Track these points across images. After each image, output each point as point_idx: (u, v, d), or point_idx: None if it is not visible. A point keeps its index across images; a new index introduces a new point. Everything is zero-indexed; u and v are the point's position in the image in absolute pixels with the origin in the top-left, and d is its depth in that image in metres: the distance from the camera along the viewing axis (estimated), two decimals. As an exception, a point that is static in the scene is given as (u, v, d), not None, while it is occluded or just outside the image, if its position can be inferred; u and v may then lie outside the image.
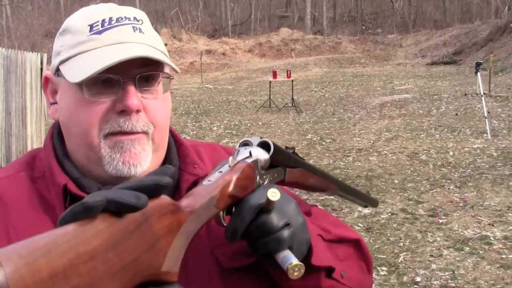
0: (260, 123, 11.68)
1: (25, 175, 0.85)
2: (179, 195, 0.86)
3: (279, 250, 0.72)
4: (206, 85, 19.45)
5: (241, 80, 21.01)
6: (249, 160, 0.75)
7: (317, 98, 15.06)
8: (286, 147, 0.87)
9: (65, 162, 0.85)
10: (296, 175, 0.87)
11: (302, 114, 12.47)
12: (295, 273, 0.70)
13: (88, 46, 0.82)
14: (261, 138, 0.80)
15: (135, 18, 0.85)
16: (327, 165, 7.75)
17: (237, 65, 25.71)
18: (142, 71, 0.82)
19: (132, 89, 0.81)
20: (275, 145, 0.80)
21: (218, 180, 0.71)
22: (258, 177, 0.76)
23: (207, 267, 0.84)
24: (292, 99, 13.42)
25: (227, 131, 10.99)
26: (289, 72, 13.76)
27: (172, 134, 0.95)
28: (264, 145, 0.80)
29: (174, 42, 27.02)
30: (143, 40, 0.83)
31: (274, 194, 0.70)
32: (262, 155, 0.78)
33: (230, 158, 0.74)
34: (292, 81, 13.98)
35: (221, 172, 0.73)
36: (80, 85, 0.80)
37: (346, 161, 7.99)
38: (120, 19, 0.83)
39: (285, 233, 0.72)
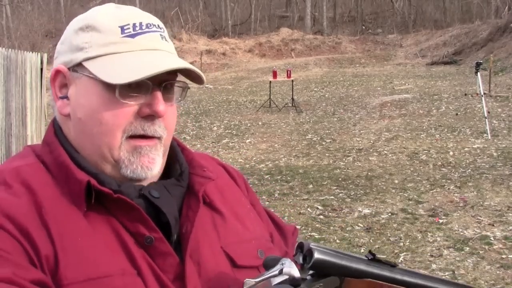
0: (260, 123, 11.67)
1: (42, 166, 0.85)
2: (194, 198, 0.89)
3: None
4: (206, 85, 19.44)
5: (241, 80, 21.01)
6: (274, 281, 0.76)
7: (317, 98, 15.06)
8: (370, 251, 0.83)
9: (79, 159, 0.85)
10: (360, 286, 0.81)
11: (302, 114, 12.46)
12: None
13: (121, 48, 0.84)
14: (311, 245, 0.78)
15: (158, 25, 0.88)
16: (327, 165, 7.75)
17: (237, 65, 25.70)
18: (169, 79, 0.86)
19: (160, 95, 0.84)
20: (317, 259, 0.77)
21: None
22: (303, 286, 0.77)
23: (219, 263, 0.87)
24: (292, 99, 13.42)
25: (227, 131, 10.99)
26: (289, 72, 13.75)
27: (173, 139, 0.97)
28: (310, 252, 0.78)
29: (174, 42, 26.83)
30: (169, 48, 0.88)
31: None
32: (294, 274, 0.77)
33: (247, 280, 0.77)
34: (292, 81, 13.97)
35: None
36: (110, 85, 0.81)
37: (346, 161, 7.98)
38: (149, 25, 0.86)
39: None
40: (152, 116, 0.84)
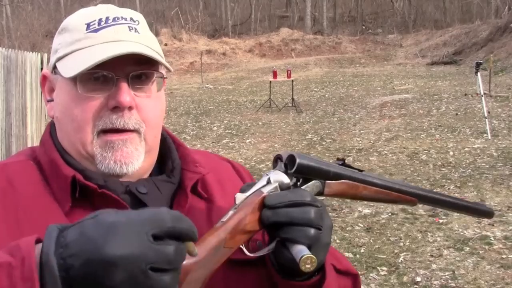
0: (260, 123, 11.67)
1: (33, 164, 0.86)
2: (184, 194, 0.89)
3: (299, 242, 0.75)
4: (206, 85, 19.45)
5: (241, 80, 21.00)
6: (265, 191, 0.77)
7: (317, 98, 15.06)
8: (338, 159, 0.89)
9: (67, 156, 0.86)
10: (340, 188, 0.87)
11: (302, 114, 12.46)
12: (307, 266, 0.72)
13: (84, 43, 0.84)
14: (291, 153, 0.81)
15: (131, 18, 0.87)
16: (327, 165, 7.75)
17: (237, 65, 25.70)
18: (136, 69, 0.83)
19: (124, 86, 0.82)
20: (300, 163, 0.80)
21: (227, 221, 0.74)
22: None
23: None
24: (292, 99, 13.42)
25: (227, 131, 10.99)
26: (289, 72, 13.75)
27: (169, 135, 0.97)
28: (292, 161, 0.80)
29: (174, 42, 27.01)
30: (138, 39, 0.85)
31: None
32: (283, 179, 0.79)
33: (238, 194, 0.77)
34: (292, 81, 13.97)
35: (235, 208, 0.76)
36: (75, 81, 0.82)
37: (346, 161, 7.97)
38: (116, 18, 0.86)
39: (313, 231, 0.76)
40: (119, 108, 0.82)
